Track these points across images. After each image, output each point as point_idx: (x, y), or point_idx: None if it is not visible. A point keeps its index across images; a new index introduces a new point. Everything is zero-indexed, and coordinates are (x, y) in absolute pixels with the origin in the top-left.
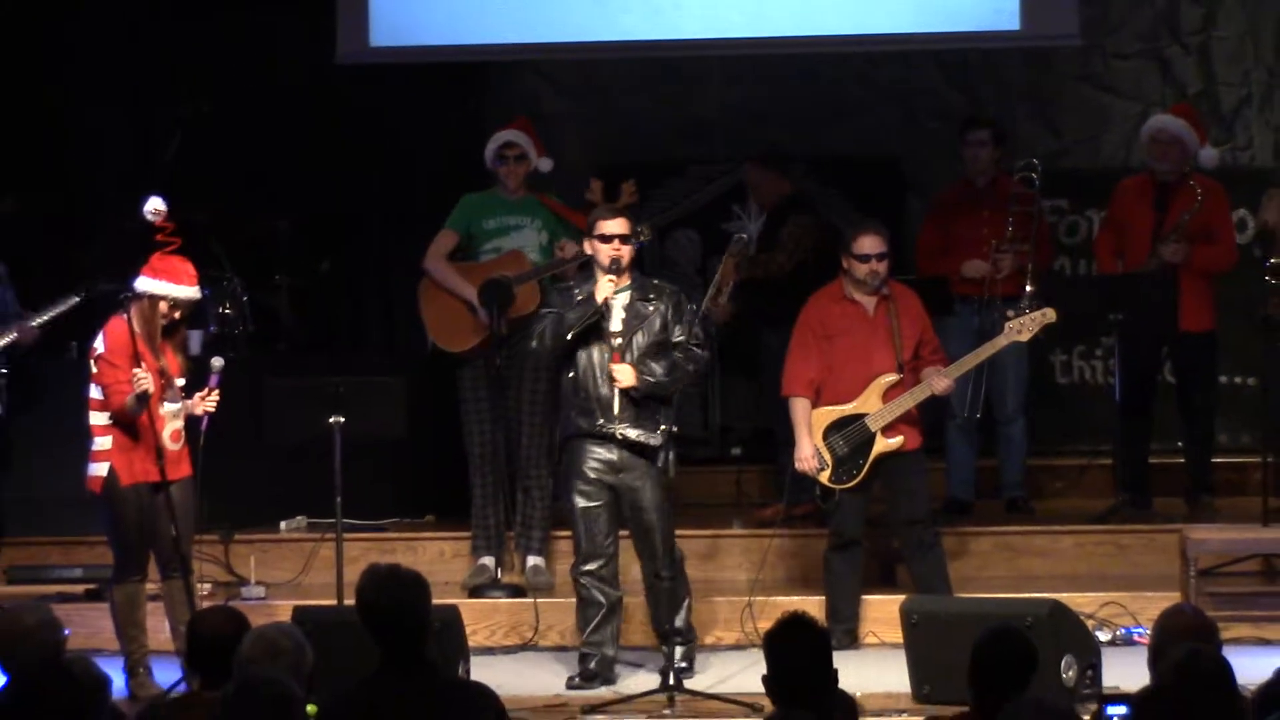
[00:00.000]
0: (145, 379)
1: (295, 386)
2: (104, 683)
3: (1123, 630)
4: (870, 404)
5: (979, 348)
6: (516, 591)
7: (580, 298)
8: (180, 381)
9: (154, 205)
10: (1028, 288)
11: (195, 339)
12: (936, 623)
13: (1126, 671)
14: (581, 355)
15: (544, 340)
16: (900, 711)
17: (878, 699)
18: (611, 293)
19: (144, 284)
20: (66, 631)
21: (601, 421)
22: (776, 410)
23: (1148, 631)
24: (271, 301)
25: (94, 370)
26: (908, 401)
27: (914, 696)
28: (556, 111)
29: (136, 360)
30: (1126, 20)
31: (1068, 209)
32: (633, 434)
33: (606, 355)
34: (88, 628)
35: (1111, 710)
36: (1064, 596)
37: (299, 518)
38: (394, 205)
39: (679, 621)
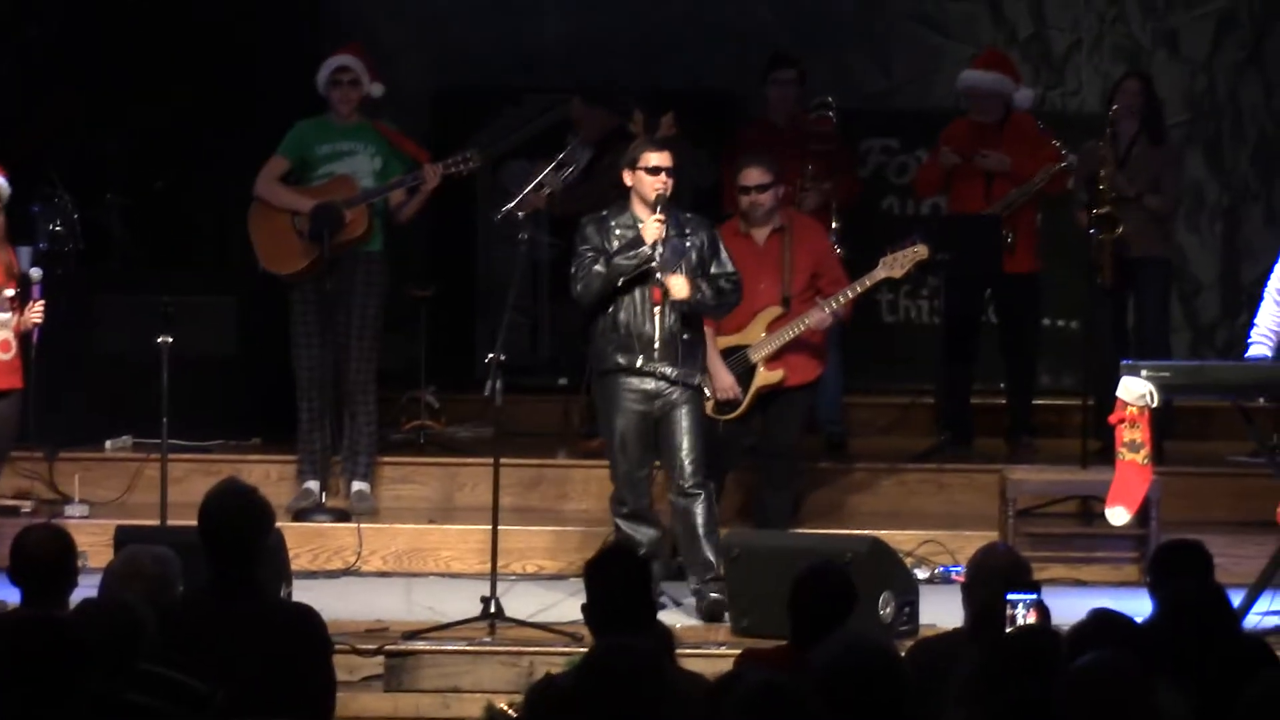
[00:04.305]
0: None
1: (125, 304)
2: None
3: (941, 568)
4: (753, 335)
5: (852, 283)
6: (340, 516)
7: (623, 238)
8: (9, 292)
9: None
10: (834, 224)
11: (25, 255)
12: (757, 556)
13: (944, 609)
14: (622, 293)
15: (591, 288)
16: (719, 644)
17: (696, 631)
18: (660, 233)
19: None
20: None
21: (642, 360)
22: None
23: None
24: (103, 219)
25: None
26: (787, 334)
27: (733, 629)
28: (393, 37)
29: None
30: None
31: (898, 149)
32: (672, 373)
33: (648, 292)
34: None
35: (1014, 597)
36: (884, 534)
37: (125, 436)
38: (229, 126)
39: (711, 553)
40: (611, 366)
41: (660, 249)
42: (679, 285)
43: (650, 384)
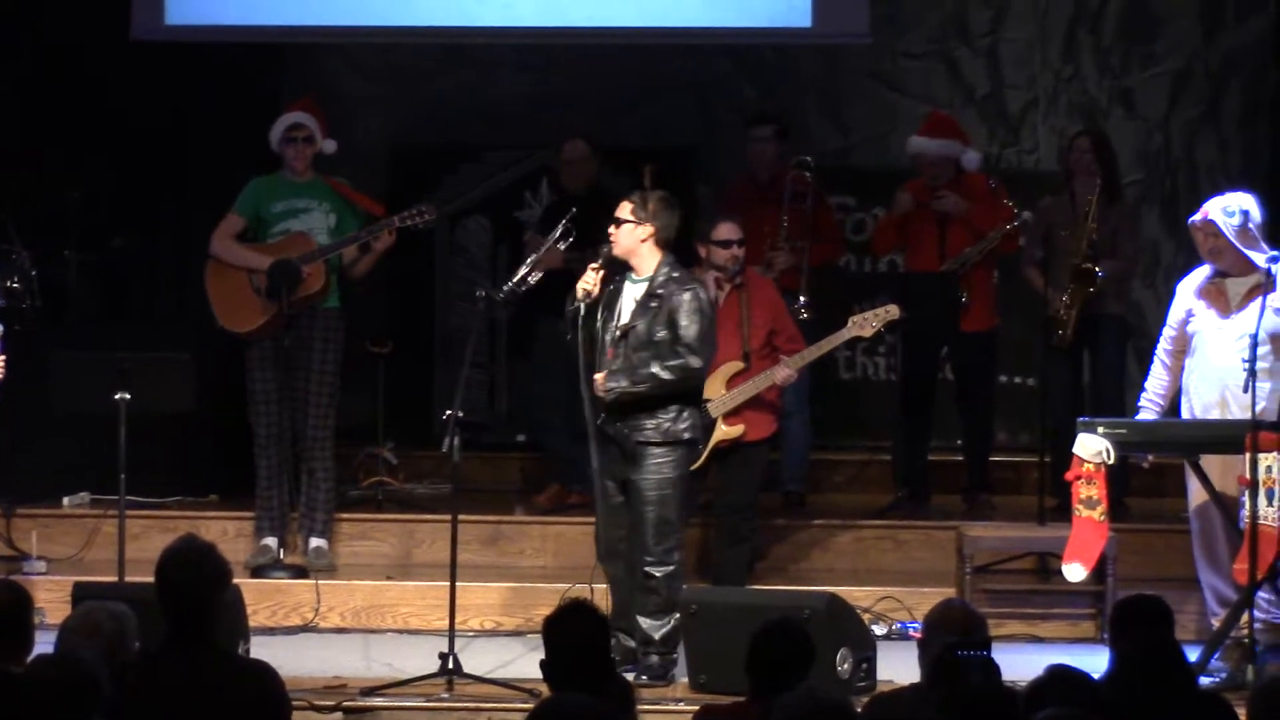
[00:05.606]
0: None
1: (81, 360)
2: None
3: (898, 625)
4: (713, 389)
5: (820, 340)
6: (299, 572)
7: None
8: None
9: None
10: (802, 299)
11: None
12: (714, 613)
13: (901, 665)
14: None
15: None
16: (676, 700)
17: (655, 687)
18: (591, 285)
19: None
20: None
21: (604, 418)
22: (540, 395)
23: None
24: (60, 276)
25: None
26: (749, 390)
27: (690, 685)
28: (353, 93)
29: None
30: (917, 20)
31: (854, 206)
32: (626, 432)
33: (603, 351)
34: None
35: (964, 655)
36: (842, 590)
37: (82, 493)
38: (186, 182)
39: (656, 632)
40: (588, 424)
41: (620, 302)
42: (597, 381)
43: (613, 447)
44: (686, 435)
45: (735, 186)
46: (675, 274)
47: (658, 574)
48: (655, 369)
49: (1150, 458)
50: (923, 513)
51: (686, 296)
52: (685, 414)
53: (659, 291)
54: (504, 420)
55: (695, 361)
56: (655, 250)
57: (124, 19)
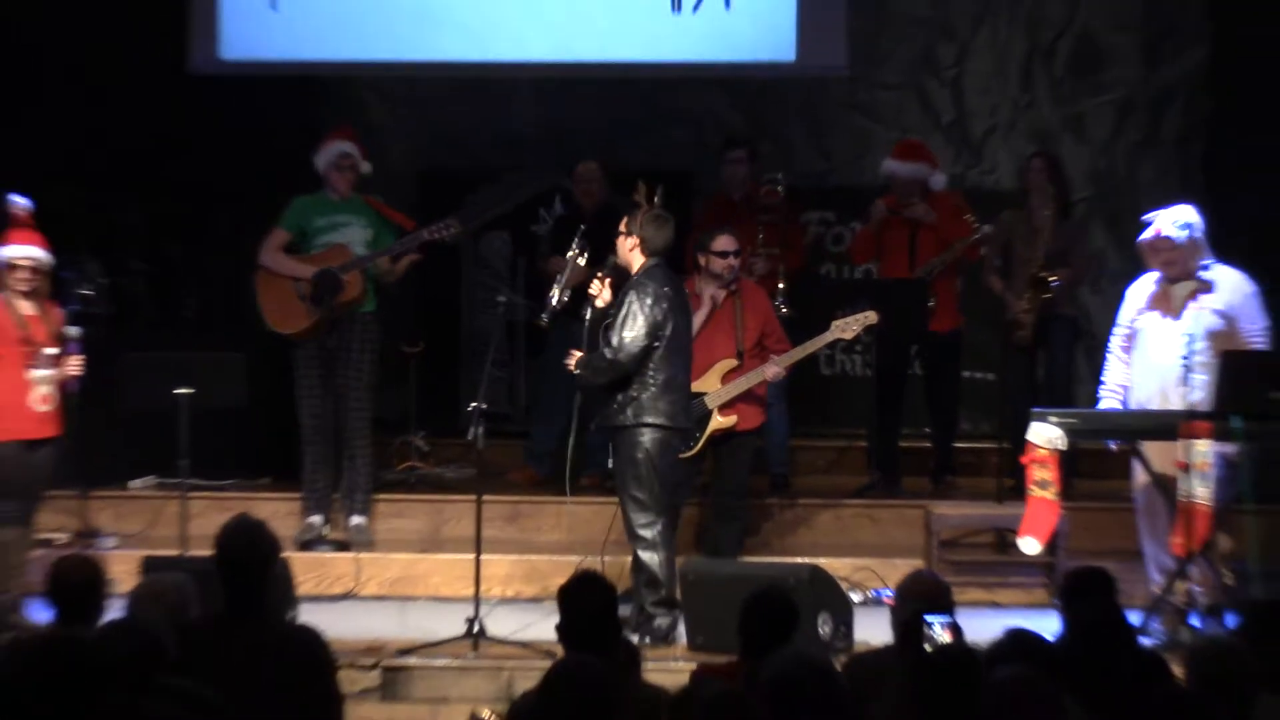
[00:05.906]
0: None
1: (148, 360)
2: None
3: (873, 592)
4: (710, 384)
5: (805, 342)
6: (341, 546)
7: None
8: (53, 351)
9: (24, 203)
10: (780, 286)
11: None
12: (710, 582)
13: (876, 628)
14: None
15: None
16: (676, 659)
17: (658, 649)
18: (597, 293)
19: (3, 253)
20: None
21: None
22: (544, 389)
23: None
24: (129, 284)
25: None
26: (743, 384)
27: (689, 646)
28: (381, 121)
29: None
30: (890, 55)
31: (834, 221)
32: (604, 419)
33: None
34: None
35: (930, 617)
36: (823, 562)
37: (149, 477)
38: (236, 200)
39: (647, 600)
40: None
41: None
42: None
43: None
44: (648, 419)
45: (711, 204)
46: (636, 276)
47: (637, 549)
48: (596, 360)
49: (1117, 443)
50: (895, 493)
51: (630, 296)
52: (643, 399)
53: (622, 293)
54: (522, 412)
55: (609, 354)
56: (641, 258)
57: (181, 55)
